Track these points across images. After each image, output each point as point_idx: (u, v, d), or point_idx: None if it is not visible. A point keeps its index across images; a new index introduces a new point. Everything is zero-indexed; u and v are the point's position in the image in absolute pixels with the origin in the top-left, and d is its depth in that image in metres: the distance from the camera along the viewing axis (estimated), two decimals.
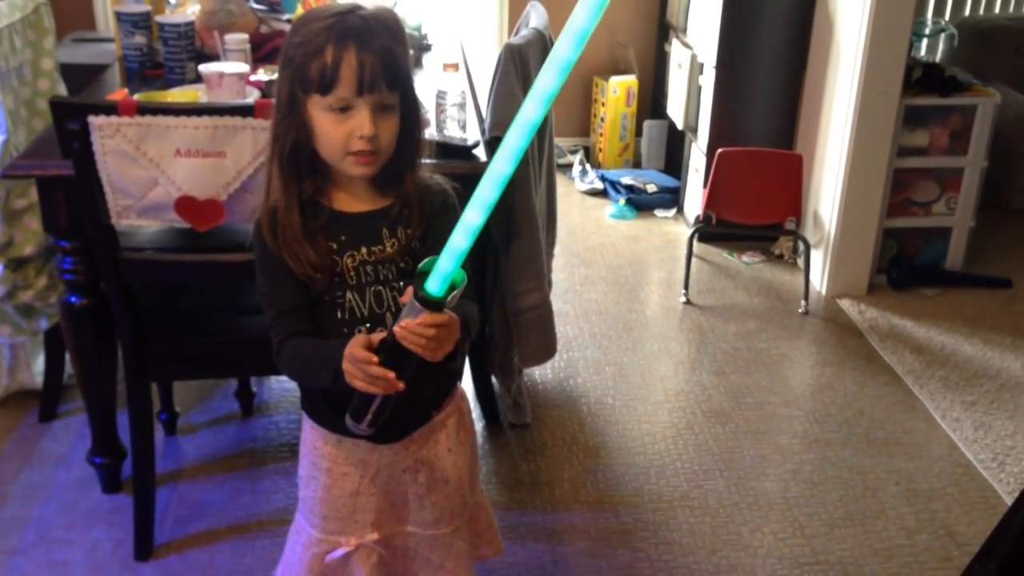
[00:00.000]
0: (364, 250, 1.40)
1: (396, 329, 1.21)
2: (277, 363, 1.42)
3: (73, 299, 2.10)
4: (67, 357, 2.53)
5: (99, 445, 2.30)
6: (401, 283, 1.42)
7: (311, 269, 1.37)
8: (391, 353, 1.23)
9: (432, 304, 1.19)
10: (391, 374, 1.23)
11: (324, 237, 1.39)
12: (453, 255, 1.15)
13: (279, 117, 1.37)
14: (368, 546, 1.55)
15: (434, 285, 1.18)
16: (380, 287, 1.41)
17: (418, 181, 1.43)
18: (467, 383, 2.60)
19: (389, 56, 1.31)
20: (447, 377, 1.56)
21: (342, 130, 1.32)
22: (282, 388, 2.79)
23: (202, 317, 2.19)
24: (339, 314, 1.40)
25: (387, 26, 1.34)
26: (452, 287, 1.19)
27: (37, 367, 2.65)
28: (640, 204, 4.18)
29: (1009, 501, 2.37)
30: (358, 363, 1.24)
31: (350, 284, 1.40)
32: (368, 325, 1.41)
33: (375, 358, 1.23)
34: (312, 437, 1.54)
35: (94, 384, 2.20)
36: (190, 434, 2.58)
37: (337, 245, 1.40)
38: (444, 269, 1.17)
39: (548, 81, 1.02)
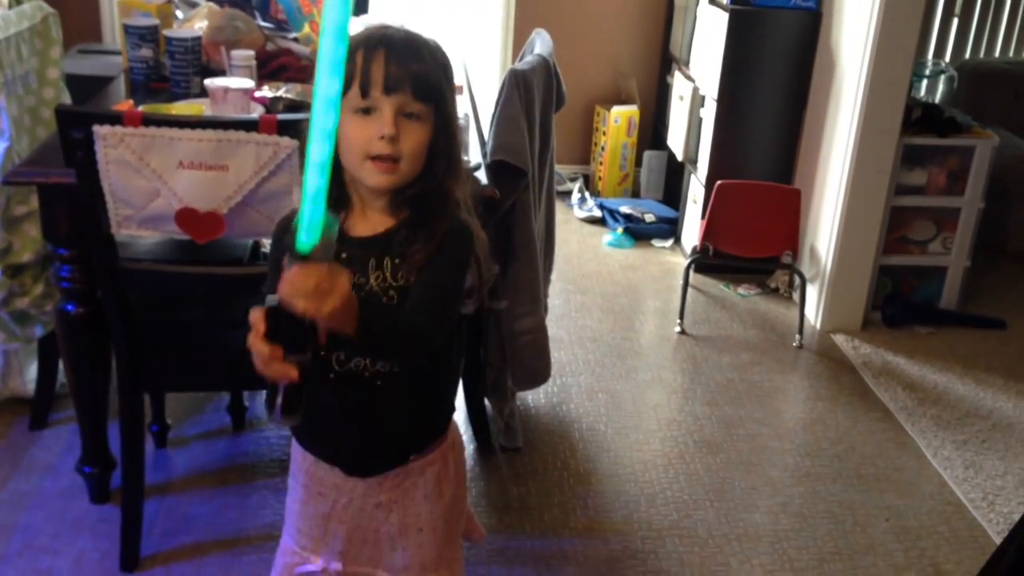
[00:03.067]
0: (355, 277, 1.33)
1: (279, 291, 1.13)
2: None
3: (69, 307, 2.11)
4: (60, 365, 2.52)
5: (89, 455, 2.29)
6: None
7: None
8: (276, 319, 1.15)
9: (302, 256, 1.11)
10: (267, 349, 1.13)
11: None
12: (312, 199, 1.07)
13: None
14: (333, 574, 1.53)
15: (304, 237, 1.11)
16: None
17: (451, 217, 1.36)
18: (459, 404, 2.59)
19: (419, 65, 1.30)
20: (426, 418, 1.50)
21: (365, 133, 1.29)
22: None
23: (198, 329, 2.19)
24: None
25: (428, 44, 1.34)
26: (325, 235, 1.11)
27: (30, 375, 2.64)
28: (638, 233, 4.19)
29: (998, 540, 2.37)
30: (251, 341, 1.15)
31: None
32: (343, 355, 1.36)
33: (261, 327, 1.14)
34: (296, 450, 1.54)
35: (87, 393, 2.20)
36: (180, 446, 2.58)
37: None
38: (307, 217, 1.09)
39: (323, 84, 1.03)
